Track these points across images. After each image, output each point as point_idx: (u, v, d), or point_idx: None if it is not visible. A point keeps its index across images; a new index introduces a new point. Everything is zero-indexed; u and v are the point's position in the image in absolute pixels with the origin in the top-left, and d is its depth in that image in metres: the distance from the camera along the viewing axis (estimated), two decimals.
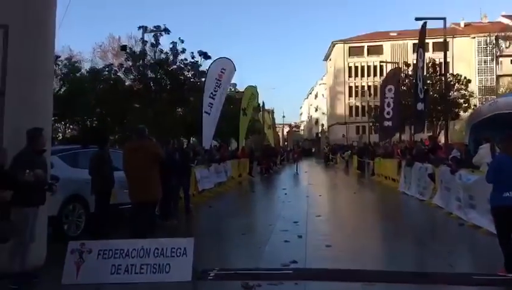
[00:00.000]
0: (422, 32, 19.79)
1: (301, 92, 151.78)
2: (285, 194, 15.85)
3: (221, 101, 18.52)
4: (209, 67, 19.34)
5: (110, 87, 25.13)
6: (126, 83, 25.39)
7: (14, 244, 5.14)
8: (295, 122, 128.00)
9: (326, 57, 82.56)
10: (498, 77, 64.25)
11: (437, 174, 12.09)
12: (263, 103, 39.64)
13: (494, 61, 64.41)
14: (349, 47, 72.90)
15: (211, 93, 18.00)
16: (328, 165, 37.57)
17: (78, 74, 28.86)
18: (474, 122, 15.90)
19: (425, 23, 19.74)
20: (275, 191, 17.86)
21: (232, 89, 39.14)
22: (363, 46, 72.37)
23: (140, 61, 23.51)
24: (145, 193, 7.30)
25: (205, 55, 23.77)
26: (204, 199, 14.37)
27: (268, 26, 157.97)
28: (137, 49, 24.83)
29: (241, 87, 36.10)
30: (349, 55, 72.74)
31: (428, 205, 12.08)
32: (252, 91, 26.84)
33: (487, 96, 52.39)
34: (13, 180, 4.85)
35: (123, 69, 24.69)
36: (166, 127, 22.81)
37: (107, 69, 26.51)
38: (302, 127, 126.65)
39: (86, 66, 31.94)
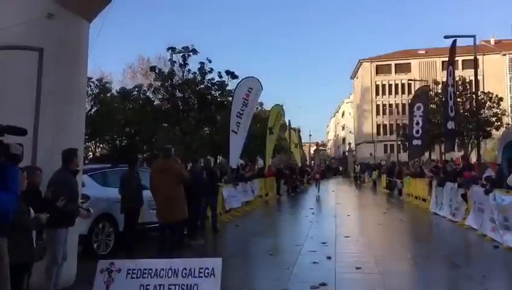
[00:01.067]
0: (452, 50, 19.53)
1: (328, 111, 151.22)
2: (313, 213, 15.66)
3: (248, 120, 18.62)
4: (236, 86, 19.54)
5: (139, 107, 25.65)
6: (155, 103, 25.87)
7: (47, 265, 5.23)
8: (322, 141, 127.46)
9: (354, 75, 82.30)
10: None
11: (470, 194, 11.75)
12: (289, 121, 39.64)
13: None
14: (377, 65, 72.54)
15: (238, 112, 18.13)
16: (356, 184, 37.05)
17: (108, 95, 29.60)
18: (507, 141, 15.48)
19: (455, 41, 19.49)
20: (302, 211, 17.69)
21: (259, 108, 39.40)
22: (390, 64, 71.90)
23: (169, 82, 23.94)
24: (171, 213, 7.37)
25: (232, 75, 24.07)
26: (231, 218, 14.35)
27: (295, 44, 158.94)
28: (166, 69, 25.31)
29: (267, 106, 36.31)
30: (376, 74, 72.32)
31: (461, 226, 11.72)
32: (279, 110, 26.91)
33: None
34: (52, 206, 4.92)
35: (152, 89, 25.20)
36: (193, 146, 23.04)
37: (136, 89, 27.12)
38: (328, 146, 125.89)
39: (116, 87, 32.74)
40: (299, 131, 65.63)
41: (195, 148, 24.21)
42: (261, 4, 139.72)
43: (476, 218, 10.95)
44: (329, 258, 7.88)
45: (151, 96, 25.74)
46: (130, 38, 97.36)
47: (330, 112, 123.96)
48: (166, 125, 25.19)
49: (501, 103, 36.08)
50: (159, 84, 24.69)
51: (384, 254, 8.63)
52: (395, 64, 71.50)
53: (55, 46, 5.80)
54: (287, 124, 42.76)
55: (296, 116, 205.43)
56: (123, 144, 29.37)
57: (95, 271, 5.55)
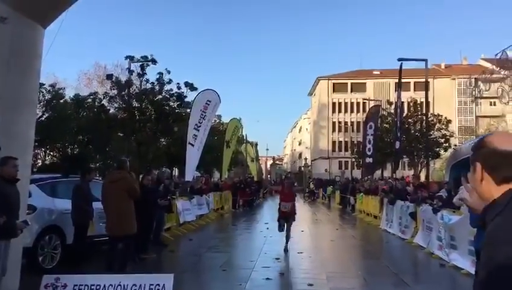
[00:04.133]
0: (400, 73, 20.43)
1: (285, 126, 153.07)
2: (267, 228, 15.70)
3: (205, 132, 18.54)
4: (195, 98, 19.45)
5: (93, 114, 25.02)
6: (110, 111, 25.32)
7: None
8: (279, 156, 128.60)
9: (311, 92, 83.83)
10: (477, 117, 65.90)
11: (419, 213, 12.15)
12: (246, 135, 39.81)
13: (474, 103, 66.16)
14: (334, 83, 74.23)
15: (196, 124, 18.02)
16: (311, 200, 37.51)
17: (61, 101, 28.72)
18: (454, 161, 16.18)
19: (401, 64, 20.41)
20: (256, 225, 17.69)
21: (217, 121, 39.38)
22: (346, 83, 73.77)
23: (126, 90, 23.54)
24: (120, 226, 7.22)
25: (191, 87, 23.97)
26: (185, 231, 14.15)
27: (256, 59, 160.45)
28: (123, 78, 24.88)
29: (225, 119, 36.33)
30: (333, 91, 73.98)
31: (410, 243, 12.08)
32: (236, 124, 26.99)
33: (467, 137, 53.54)
34: None
35: (108, 97, 24.67)
36: (148, 157, 22.67)
37: (91, 96, 26.46)
38: (285, 161, 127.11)
39: (70, 93, 31.82)
40: (256, 145, 65.94)
41: (151, 159, 23.81)
42: (223, 18, 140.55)
43: (424, 236, 11.32)
44: (282, 274, 7.90)
45: (106, 104, 25.18)
46: (87, 45, 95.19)
47: (288, 127, 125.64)
48: (121, 134, 24.68)
49: (449, 124, 37.77)
50: (116, 93, 24.21)
51: (336, 270, 8.75)
52: (351, 83, 73.43)
53: (6, 50, 5.58)
54: (244, 137, 42.86)
55: (254, 130, 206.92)
56: (75, 152, 28.49)
57: (39, 286, 5.31)
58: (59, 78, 36.81)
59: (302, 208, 30.07)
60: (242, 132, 37.37)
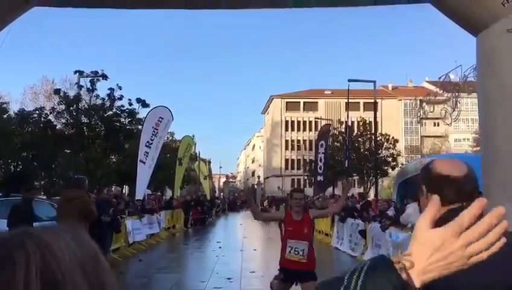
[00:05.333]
0: (348, 93, 21.23)
1: (239, 143, 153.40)
2: (220, 247, 15.52)
3: (157, 150, 18.22)
4: (147, 115, 19.13)
5: (39, 130, 24.04)
6: (57, 127, 24.43)
7: None
8: (232, 173, 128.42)
9: (265, 110, 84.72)
10: (422, 137, 68.80)
11: (368, 230, 12.40)
12: (199, 152, 39.55)
13: (419, 123, 69.14)
14: (287, 102, 75.42)
15: (147, 142, 17.69)
16: None
17: (4, 116, 27.40)
18: (400, 180, 16.76)
19: (348, 86, 21.24)
20: (209, 244, 17.46)
21: (169, 138, 38.89)
22: (299, 102, 75.16)
23: (74, 106, 22.81)
24: None
25: (143, 103, 23.57)
26: (134, 252, 13.73)
27: (209, 76, 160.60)
28: (72, 93, 24.13)
29: (178, 136, 35.97)
30: (286, 110, 75.10)
31: (360, 261, 12.28)
32: (189, 141, 26.77)
33: (412, 156, 55.69)
34: None
35: (55, 112, 23.81)
36: (97, 174, 21.98)
37: (37, 111, 25.44)
38: (238, 178, 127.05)
39: (14, 108, 30.45)
40: (209, 162, 65.58)
41: (100, 177, 23.06)
42: (176, 35, 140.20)
43: (374, 253, 11.53)
44: None
45: (53, 120, 24.28)
46: (34, 59, 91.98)
47: (241, 144, 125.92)
48: (68, 151, 23.81)
49: (397, 144, 39.17)
50: (63, 108, 23.42)
51: None
52: (304, 102, 74.89)
53: None
54: (197, 155, 42.53)
55: (207, 148, 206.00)
56: (18, 169, 27.16)
57: None
58: (2, 92, 35.09)
59: (255, 226, 30.03)
60: (195, 149, 37.08)
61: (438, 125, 62.46)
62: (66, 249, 0.72)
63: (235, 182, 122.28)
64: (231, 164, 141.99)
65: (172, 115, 19.18)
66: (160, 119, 18.33)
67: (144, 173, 17.35)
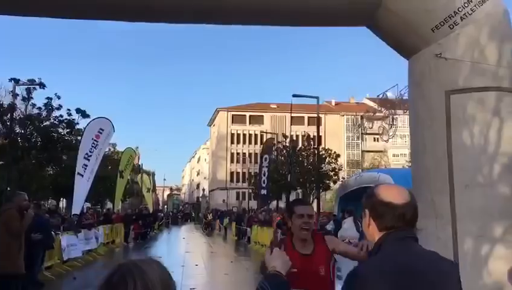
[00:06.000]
0: (291, 108, 21.44)
1: (184, 156, 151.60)
2: None
3: (96, 162, 17.61)
4: (86, 126, 18.48)
5: None
6: None
7: None
8: (177, 185, 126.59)
9: (211, 123, 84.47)
10: (363, 152, 71.19)
11: None
12: (142, 165, 38.71)
13: (360, 138, 71.50)
14: (233, 115, 75.62)
15: (86, 154, 17.07)
16: (208, 231, 37.16)
17: None
18: (341, 193, 17.15)
19: (291, 101, 21.43)
20: None
21: (111, 149, 37.79)
22: (245, 115, 75.60)
23: (8, 115, 21.63)
24: (2, 264, 6.55)
25: (83, 114, 22.74)
26: (69, 269, 13.09)
27: (154, 88, 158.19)
28: (6, 101, 22.89)
29: (121, 148, 35.02)
30: (232, 123, 75.26)
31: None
32: (131, 153, 26.15)
33: (353, 170, 57.42)
34: None
35: None
36: (32, 187, 20.89)
37: None
38: (183, 191, 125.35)
39: None
40: (153, 175, 64.30)
41: (35, 190, 21.93)
42: (119, 45, 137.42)
43: None
44: None
45: None
46: None
47: (187, 157, 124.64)
48: (1, 163, 22.48)
49: (339, 158, 40.24)
50: None
51: None
52: (250, 115, 75.42)
53: None
54: (140, 167, 41.59)
55: (151, 159, 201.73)
56: None
57: None
58: None
59: (199, 239, 29.68)
60: (138, 161, 36.18)
61: (378, 140, 64.87)
62: (155, 275, 1.27)
63: (179, 194, 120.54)
64: (176, 176, 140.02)
65: (113, 126, 18.65)
66: (100, 130, 17.76)
67: (81, 186, 16.69)
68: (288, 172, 18.25)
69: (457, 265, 1.72)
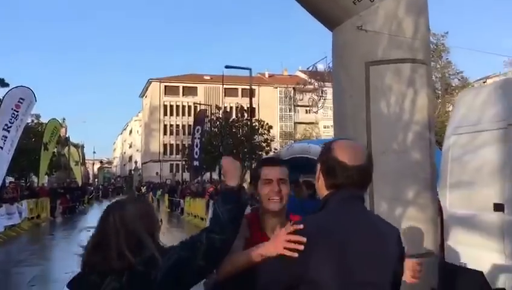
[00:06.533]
0: (222, 79, 21.37)
1: (116, 128, 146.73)
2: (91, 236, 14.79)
3: (17, 134, 16.59)
4: (5, 96, 17.30)
5: None
6: None
7: None
8: (108, 159, 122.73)
9: (143, 94, 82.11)
10: (295, 124, 72.74)
11: None
12: (69, 137, 37.09)
13: (292, 110, 72.89)
14: (165, 86, 73.95)
15: (6, 125, 16.01)
16: None
17: None
18: None
19: (223, 72, 21.35)
20: (78, 234, 16.52)
21: (35, 121, 35.82)
22: (178, 86, 74.21)
23: None
24: None
25: (2, 82, 21.26)
26: None
27: (82, 57, 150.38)
28: None
29: (46, 119, 33.24)
30: (165, 94, 73.66)
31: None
32: (56, 124, 24.89)
33: (286, 141, 58.62)
34: None
35: None
36: None
37: None
38: (114, 164, 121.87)
39: None
40: (82, 147, 61.84)
41: None
42: (45, 11, 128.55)
43: None
44: None
45: None
46: None
47: (118, 129, 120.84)
48: None
49: (271, 130, 40.81)
50: None
51: None
52: (183, 86, 74.14)
53: None
54: (68, 139, 39.88)
55: (80, 132, 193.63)
56: None
57: None
58: None
59: None
60: (66, 133, 34.56)
61: (309, 112, 66.38)
62: (133, 210, 1.67)
63: (111, 167, 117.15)
64: (107, 149, 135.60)
65: (35, 96, 17.59)
66: (20, 100, 16.68)
67: (1, 159, 15.72)
68: (221, 143, 18.28)
69: (396, 228, 1.66)
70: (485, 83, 28.55)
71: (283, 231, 1.59)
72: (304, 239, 1.49)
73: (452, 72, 41.06)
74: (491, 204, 3.80)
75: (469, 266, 3.87)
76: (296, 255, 1.49)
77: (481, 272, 3.66)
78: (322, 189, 1.67)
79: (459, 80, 42.08)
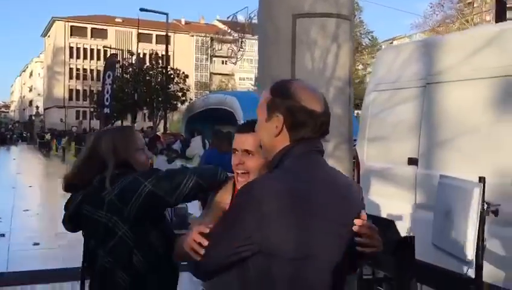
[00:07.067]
0: (138, 22, 20.33)
1: (13, 69, 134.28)
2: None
3: None
4: None
5: None
6: None
7: None
8: (4, 102, 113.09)
9: (45, 33, 75.55)
10: (211, 74, 71.84)
11: (154, 163, 12.54)
12: None
13: (209, 60, 71.72)
14: (72, 26, 68.58)
15: None
16: (45, 152, 34.47)
17: None
18: (189, 114, 17.25)
19: (138, 16, 20.31)
20: None
21: None
22: (86, 28, 69.24)
23: None
24: None
25: None
26: None
27: None
28: None
29: None
30: (71, 35, 68.43)
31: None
32: None
33: (201, 92, 57.93)
34: None
35: None
36: None
37: None
38: (12, 108, 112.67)
39: None
40: None
41: None
42: None
43: None
44: (2, 235, 7.04)
45: None
46: None
47: (16, 70, 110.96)
48: None
49: (187, 79, 39.93)
50: None
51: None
52: (92, 28, 69.27)
53: None
54: None
55: None
56: None
57: None
58: None
59: (33, 161, 27.40)
60: None
61: (226, 63, 65.82)
62: (118, 134, 2.02)
63: (8, 112, 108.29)
64: (3, 92, 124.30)
65: None
66: None
67: None
68: (135, 91, 17.49)
69: (356, 183, 1.49)
70: (392, 44, 30.16)
71: (196, 227, 1.36)
72: (205, 242, 1.29)
73: (363, 31, 42.76)
74: (405, 158, 4.05)
75: (383, 216, 4.15)
76: (198, 258, 1.31)
77: (392, 221, 3.95)
78: (278, 144, 1.37)
79: (369, 39, 44.03)
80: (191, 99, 34.47)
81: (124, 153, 1.93)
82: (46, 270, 5.30)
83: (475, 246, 2.37)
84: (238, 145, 1.75)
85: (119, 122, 32.75)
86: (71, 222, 2.05)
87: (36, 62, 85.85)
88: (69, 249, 6.48)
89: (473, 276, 2.52)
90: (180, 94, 34.97)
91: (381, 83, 4.52)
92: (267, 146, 1.41)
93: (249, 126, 1.67)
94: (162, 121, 26.39)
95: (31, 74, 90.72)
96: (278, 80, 1.47)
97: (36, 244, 6.58)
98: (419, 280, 3.00)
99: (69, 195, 2.12)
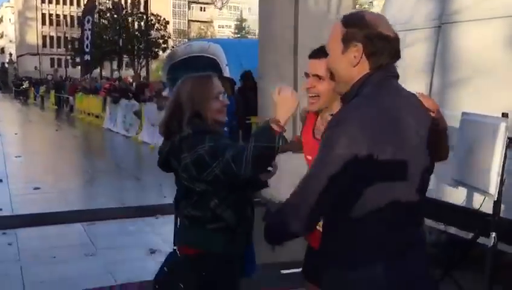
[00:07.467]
0: None
1: None
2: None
3: None
4: None
5: None
6: None
7: None
8: None
9: None
10: (189, 21, 69.92)
11: (143, 111, 12.43)
12: None
13: (187, 7, 69.58)
14: None
15: None
16: (23, 100, 33.57)
17: None
18: (171, 62, 16.91)
19: None
20: None
21: None
22: None
23: None
24: None
25: None
26: None
27: None
28: None
29: None
30: None
31: (135, 140, 12.38)
32: None
33: (180, 39, 56.54)
34: None
35: None
36: None
37: None
38: None
39: None
40: None
41: None
42: None
43: (149, 133, 11.77)
44: (0, 181, 7.02)
45: None
46: None
47: None
48: None
49: (168, 26, 38.78)
50: None
51: (63, 171, 8.31)
52: None
53: None
54: None
55: None
56: None
57: None
58: None
59: (11, 109, 26.77)
60: None
61: (204, 10, 63.97)
62: (188, 84, 2.06)
63: None
64: None
65: None
66: None
67: None
68: (119, 37, 16.91)
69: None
70: None
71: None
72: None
73: None
74: None
75: None
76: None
77: None
78: (357, 74, 1.38)
79: None
80: (172, 47, 33.69)
81: (199, 104, 1.94)
82: (59, 213, 5.39)
83: (498, 181, 2.50)
84: (310, 70, 1.84)
85: (96, 71, 31.94)
86: (163, 166, 2.12)
87: (6, 7, 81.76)
88: (69, 192, 6.56)
89: (491, 211, 2.65)
90: (161, 41, 34.14)
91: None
92: (344, 78, 1.41)
93: (321, 52, 1.74)
94: (144, 68, 25.86)
95: (1, 20, 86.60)
96: (281, 22, 1.86)
97: (37, 188, 6.59)
98: (438, 219, 3.13)
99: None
